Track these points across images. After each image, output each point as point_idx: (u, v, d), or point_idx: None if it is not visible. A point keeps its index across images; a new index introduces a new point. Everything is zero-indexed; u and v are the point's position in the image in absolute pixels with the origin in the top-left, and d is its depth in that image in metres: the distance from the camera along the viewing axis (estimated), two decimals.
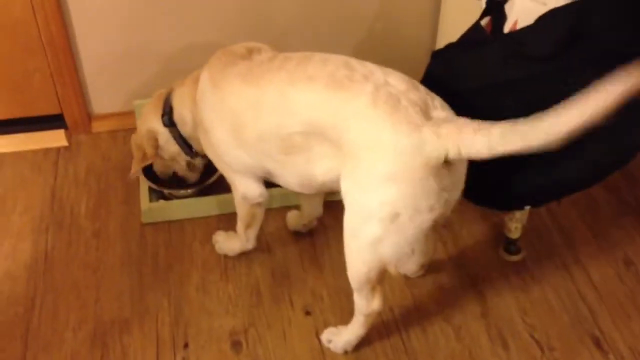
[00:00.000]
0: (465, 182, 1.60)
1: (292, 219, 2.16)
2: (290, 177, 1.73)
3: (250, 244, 2.05)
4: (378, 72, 1.56)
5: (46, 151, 2.48)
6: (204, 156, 1.99)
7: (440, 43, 2.55)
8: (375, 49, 2.62)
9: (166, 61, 2.47)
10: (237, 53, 1.76)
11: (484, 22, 1.86)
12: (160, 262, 2.09)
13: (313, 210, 2.10)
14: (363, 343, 1.85)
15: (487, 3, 1.86)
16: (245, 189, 1.87)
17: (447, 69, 1.83)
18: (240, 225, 2.00)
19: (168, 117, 1.97)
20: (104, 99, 2.55)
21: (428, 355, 1.85)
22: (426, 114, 1.49)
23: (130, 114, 2.50)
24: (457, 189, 1.57)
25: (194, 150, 2.02)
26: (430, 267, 2.04)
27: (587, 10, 1.63)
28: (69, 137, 2.53)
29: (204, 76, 1.79)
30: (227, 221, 2.16)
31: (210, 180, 2.25)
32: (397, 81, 1.54)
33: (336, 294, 1.99)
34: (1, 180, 2.36)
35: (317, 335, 1.88)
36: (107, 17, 2.36)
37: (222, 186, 2.13)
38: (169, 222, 2.20)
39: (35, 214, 2.23)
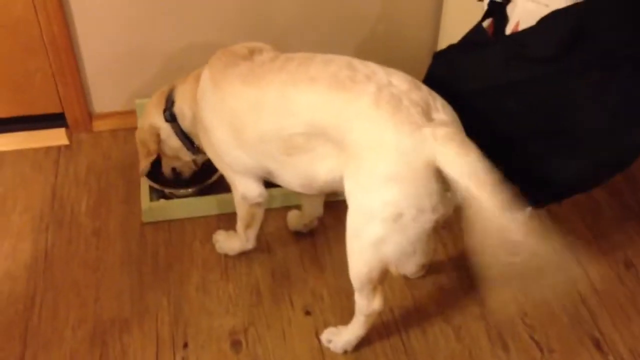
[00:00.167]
0: None
1: (293, 219, 2.16)
2: (292, 177, 1.73)
3: (250, 244, 2.05)
4: (381, 72, 1.56)
5: (47, 150, 2.48)
6: (205, 153, 2.00)
7: (442, 44, 2.54)
8: (377, 49, 2.62)
9: (167, 60, 2.48)
10: (238, 53, 1.76)
11: (486, 23, 1.85)
12: (161, 261, 2.09)
13: (314, 210, 2.10)
14: (363, 343, 1.85)
15: (489, 4, 1.86)
16: (245, 189, 1.87)
17: (449, 70, 1.83)
18: (240, 225, 2.00)
19: (170, 113, 1.97)
20: (105, 98, 2.55)
21: (428, 355, 1.85)
22: (427, 115, 1.50)
23: (131, 113, 2.50)
24: None
25: (195, 146, 2.02)
26: (430, 268, 2.04)
27: (588, 11, 1.63)
28: (70, 136, 2.53)
29: (205, 76, 1.79)
30: (228, 221, 2.16)
31: (210, 180, 2.25)
32: (400, 81, 1.54)
33: (336, 294, 1.99)
34: (2, 179, 2.36)
35: (317, 335, 1.88)
36: (108, 16, 2.36)
37: (222, 186, 2.13)
38: (169, 222, 2.20)
39: (35, 213, 2.23)
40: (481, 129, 1.68)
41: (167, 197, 2.25)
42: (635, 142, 1.70)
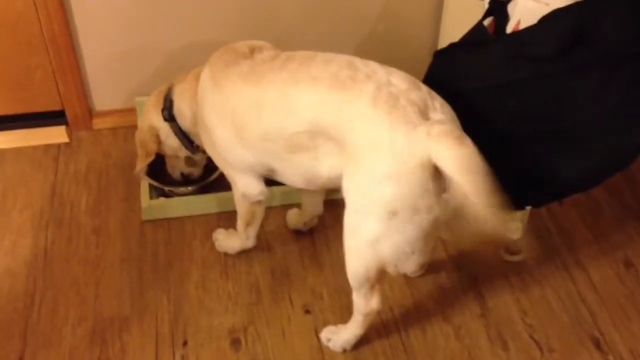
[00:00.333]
0: None
1: (293, 217, 2.16)
2: (294, 175, 1.73)
3: (250, 242, 2.05)
4: (381, 72, 1.55)
5: (47, 147, 2.48)
6: (205, 151, 1.99)
7: (443, 43, 2.54)
8: (378, 48, 2.62)
9: (168, 58, 2.47)
10: (238, 51, 1.75)
11: (487, 22, 1.85)
12: (160, 259, 2.08)
13: (314, 208, 2.09)
14: (362, 342, 1.85)
15: (490, 3, 1.86)
16: (246, 187, 1.86)
17: (449, 69, 1.83)
18: (240, 223, 2.00)
19: (168, 112, 1.97)
20: (105, 95, 2.55)
21: (427, 355, 1.85)
22: (424, 114, 1.49)
23: (131, 111, 2.50)
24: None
25: (194, 145, 2.02)
26: (430, 267, 2.04)
27: (589, 10, 1.63)
28: (69, 134, 2.53)
29: (205, 74, 1.79)
30: (228, 219, 2.16)
31: (210, 178, 2.24)
32: (399, 80, 1.54)
33: (336, 293, 1.99)
34: (2, 176, 2.36)
35: (317, 333, 1.88)
36: (109, 14, 2.36)
37: (222, 184, 2.13)
38: (169, 220, 2.20)
39: (35, 210, 2.23)
40: (481, 128, 1.68)
41: (167, 195, 2.25)
42: (635, 142, 1.70)
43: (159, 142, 2.04)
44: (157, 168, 2.18)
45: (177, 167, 2.18)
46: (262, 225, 2.03)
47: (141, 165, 2.06)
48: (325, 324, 1.90)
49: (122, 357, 1.83)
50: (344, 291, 1.90)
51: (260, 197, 1.89)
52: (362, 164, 1.52)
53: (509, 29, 1.77)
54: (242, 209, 1.95)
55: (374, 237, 1.54)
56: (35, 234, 2.15)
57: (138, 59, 2.47)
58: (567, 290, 2.02)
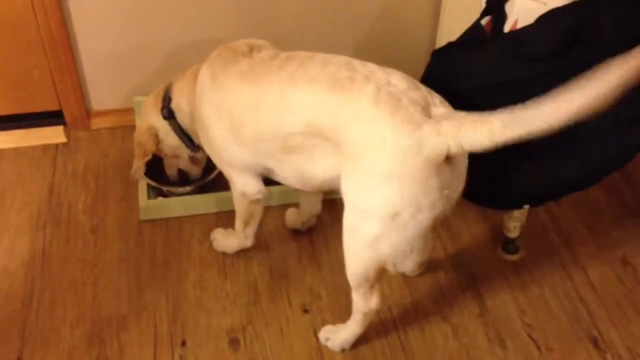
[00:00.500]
0: (466, 182, 1.60)
1: (291, 216, 2.16)
2: (290, 175, 1.73)
3: (248, 242, 2.04)
4: (379, 72, 1.55)
5: (45, 147, 2.48)
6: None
7: (441, 42, 2.54)
8: (376, 48, 2.62)
9: (166, 58, 2.47)
10: (238, 50, 1.75)
11: (484, 21, 1.85)
12: (158, 259, 2.08)
13: (312, 208, 2.09)
14: (361, 341, 1.85)
15: (488, 2, 1.86)
16: (244, 186, 1.86)
17: (447, 69, 1.83)
18: (238, 222, 2.00)
19: (167, 110, 1.97)
20: (103, 95, 2.55)
21: (426, 354, 1.85)
22: (427, 112, 1.50)
23: (129, 111, 2.50)
24: (459, 184, 1.57)
25: (195, 143, 2.02)
26: (428, 266, 2.04)
27: (587, 10, 1.63)
28: (67, 134, 2.53)
29: (204, 72, 1.79)
30: (226, 219, 2.15)
31: (208, 178, 2.24)
32: (399, 80, 1.54)
33: (334, 292, 1.99)
34: (0, 176, 2.35)
35: (315, 333, 1.88)
36: (106, 13, 2.35)
37: (220, 184, 2.13)
38: (167, 220, 2.20)
39: (33, 210, 2.23)
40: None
41: (165, 195, 2.25)
42: (633, 142, 1.70)
43: (158, 141, 2.03)
44: (155, 168, 2.18)
45: (174, 167, 2.18)
46: (260, 225, 2.03)
47: (138, 164, 2.06)
48: (324, 323, 1.90)
49: (120, 357, 1.82)
50: (343, 291, 1.90)
51: (259, 196, 1.89)
52: (361, 165, 1.51)
53: (507, 28, 1.78)
54: (240, 208, 1.95)
55: (375, 237, 1.54)
56: (33, 234, 2.15)
57: (136, 58, 2.47)
58: (566, 289, 2.02)
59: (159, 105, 1.99)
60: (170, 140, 2.03)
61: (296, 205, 2.15)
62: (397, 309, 1.96)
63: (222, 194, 2.18)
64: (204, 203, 2.22)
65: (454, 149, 1.44)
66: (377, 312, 1.78)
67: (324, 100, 1.54)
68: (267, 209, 2.12)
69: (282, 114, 1.61)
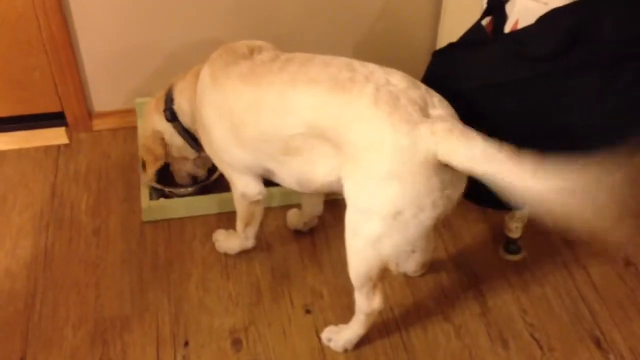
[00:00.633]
0: (467, 182, 1.60)
1: (293, 217, 2.17)
2: (290, 176, 1.73)
3: (250, 243, 2.05)
4: (379, 72, 1.56)
5: (47, 149, 2.48)
6: None
7: (441, 43, 2.54)
8: (376, 48, 2.62)
9: (167, 58, 2.47)
10: (238, 52, 1.76)
11: (485, 22, 1.86)
12: (160, 260, 2.09)
13: (313, 208, 2.10)
14: (363, 342, 1.85)
15: (488, 3, 1.86)
16: (244, 187, 1.87)
17: (448, 69, 1.83)
18: (239, 223, 2.00)
19: (170, 112, 1.97)
20: (104, 96, 2.55)
21: (428, 354, 1.85)
22: (424, 112, 1.50)
23: (131, 112, 2.50)
24: (460, 184, 1.57)
25: (199, 143, 2.02)
26: (430, 267, 2.04)
27: (587, 10, 1.63)
28: (69, 135, 2.53)
29: (205, 73, 1.79)
30: (227, 220, 2.16)
31: (210, 179, 2.25)
32: (398, 80, 1.54)
33: (336, 293, 1.99)
34: (2, 178, 2.36)
35: (317, 333, 1.89)
36: (107, 14, 2.36)
37: (222, 185, 2.13)
38: (169, 221, 2.20)
39: (35, 211, 2.23)
40: (480, 127, 1.68)
41: (166, 196, 2.25)
42: (635, 142, 1.70)
43: (165, 145, 2.04)
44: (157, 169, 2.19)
45: (183, 170, 2.18)
46: (262, 226, 2.03)
47: (151, 170, 2.07)
48: (326, 323, 1.90)
49: (123, 358, 1.83)
50: (345, 291, 1.90)
51: (259, 197, 1.89)
52: (362, 165, 1.52)
53: (507, 28, 1.78)
54: (241, 209, 1.95)
55: (377, 236, 1.55)
56: (35, 235, 2.15)
57: (137, 59, 2.47)
58: (567, 289, 2.02)
59: (161, 108, 1.99)
60: (175, 141, 2.04)
61: (297, 206, 2.15)
62: (399, 309, 1.96)
63: (224, 195, 2.18)
64: (206, 204, 2.22)
65: (440, 155, 1.45)
66: (380, 312, 1.78)
67: (325, 101, 1.55)
68: (269, 210, 2.12)
69: (282, 115, 1.62)
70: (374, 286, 1.68)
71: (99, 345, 1.85)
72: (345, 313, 1.87)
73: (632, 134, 1.69)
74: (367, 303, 1.71)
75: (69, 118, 2.53)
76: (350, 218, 1.59)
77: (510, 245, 2.09)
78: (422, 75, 1.82)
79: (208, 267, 2.06)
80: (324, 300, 1.98)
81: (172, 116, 1.98)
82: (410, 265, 2.01)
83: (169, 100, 1.97)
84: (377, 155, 1.49)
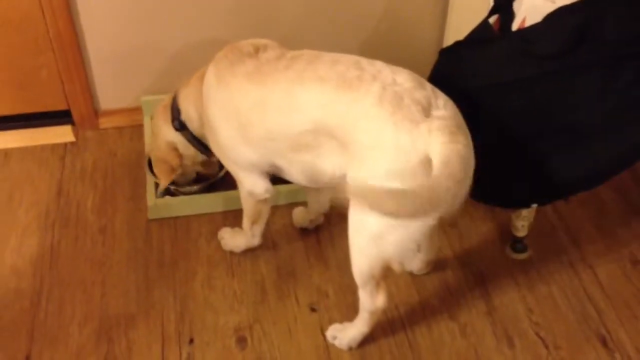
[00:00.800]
0: (473, 181, 1.59)
1: (299, 215, 2.16)
2: (298, 173, 1.73)
3: (256, 241, 2.05)
4: (386, 71, 1.56)
5: (53, 147, 2.48)
6: None
7: (448, 41, 2.54)
8: (382, 47, 2.62)
9: (173, 57, 2.48)
10: (243, 50, 1.75)
11: (492, 20, 1.85)
12: (166, 258, 2.09)
13: (320, 205, 2.10)
14: (368, 340, 1.85)
15: (496, 1, 1.86)
16: (252, 186, 1.87)
17: (455, 67, 1.83)
18: (246, 221, 2.00)
19: (178, 122, 1.97)
20: (111, 95, 2.55)
21: (433, 352, 1.85)
22: (427, 112, 1.49)
23: (137, 110, 2.50)
24: (464, 185, 1.56)
25: (209, 149, 2.01)
26: (435, 265, 2.04)
27: (594, 8, 1.63)
28: (75, 133, 2.54)
29: (211, 73, 1.79)
30: (233, 218, 2.16)
31: (216, 177, 2.25)
32: (404, 79, 1.54)
33: (342, 291, 1.99)
34: (8, 175, 2.37)
35: (323, 332, 1.88)
36: (114, 13, 2.36)
37: (228, 183, 2.14)
38: (175, 219, 2.21)
39: (41, 209, 2.23)
40: (487, 126, 1.68)
41: (172, 194, 2.26)
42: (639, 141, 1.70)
43: (180, 155, 2.04)
44: None
45: (190, 174, 2.18)
46: (267, 224, 2.03)
47: (166, 181, 2.07)
48: (331, 322, 1.90)
49: (128, 356, 1.83)
50: (350, 289, 1.90)
51: (266, 195, 1.89)
52: (366, 163, 1.52)
53: (515, 26, 1.77)
54: (248, 207, 1.96)
55: (378, 234, 1.55)
56: (41, 233, 2.15)
57: (143, 58, 2.47)
58: (574, 288, 2.02)
59: (169, 118, 1.99)
60: (186, 150, 2.04)
61: (304, 204, 2.15)
62: (405, 308, 1.96)
63: (230, 193, 2.18)
64: (212, 202, 2.22)
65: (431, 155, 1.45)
66: (385, 310, 1.78)
67: (333, 99, 1.55)
68: (275, 208, 2.12)
69: (289, 113, 1.62)
70: (377, 284, 1.68)
71: (104, 342, 1.86)
72: (351, 311, 1.87)
73: (632, 133, 1.69)
74: (370, 301, 1.71)
75: (76, 116, 2.54)
76: (353, 216, 1.59)
77: (517, 244, 2.09)
78: (428, 74, 1.82)
79: (213, 265, 2.07)
80: (329, 298, 1.98)
81: (180, 126, 1.98)
82: (416, 264, 2.00)
83: (175, 110, 1.98)
84: (380, 153, 1.49)
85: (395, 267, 1.62)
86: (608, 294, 2.00)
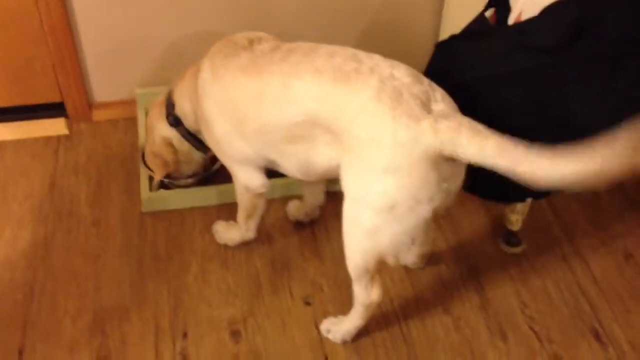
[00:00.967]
0: (467, 174, 1.59)
1: (293, 208, 2.16)
2: (292, 165, 1.73)
3: (250, 234, 2.05)
4: (384, 65, 1.55)
5: (47, 139, 2.48)
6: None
7: (444, 35, 2.54)
8: (379, 40, 2.61)
9: (168, 50, 2.47)
10: (238, 43, 1.75)
11: (489, 13, 1.85)
12: (160, 251, 2.08)
13: (315, 198, 2.10)
14: (362, 334, 1.85)
15: None
16: (247, 180, 1.86)
17: (451, 60, 1.83)
18: (241, 215, 2.00)
19: (173, 117, 1.97)
20: (104, 87, 2.55)
21: (427, 346, 1.85)
22: (427, 107, 1.49)
23: (131, 103, 2.50)
24: (458, 178, 1.57)
25: (204, 144, 2.00)
26: (430, 259, 2.04)
27: (591, 3, 1.62)
28: (69, 126, 2.53)
29: (205, 67, 1.78)
30: (227, 211, 2.16)
31: (211, 170, 2.24)
32: (402, 74, 1.54)
33: (336, 285, 1.99)
34: (2, 168, 2.36)
35: (317, 325, 1.89)
36: (108, 5, 2.35)
37: (222, 176, 2.13)
38: (169, 212, 2.20)
39: (35, 202, 2.23)
40: (483, 118, 1.68)
41: (166, 187, 2.25)
42: None
43: (175, 151, 2.04)
44: None
45: (188, 171, 2.17)
46: (262, 217, 2.03)
47: (160, 175, 2.07)
48: (326, 315, 1.90)
49: (122, 349, 1.83)
50: (344, 283, 1.90)
51: (262, 190, 1.89)
52: (362, 157, 1.51)
53: (511, 20, 1.77)
54: (243, 201, 1.95)
55: (373, 228, 1.54)
56: (35, 226, 2.15)
57: (138, 50, 2.46)
58: (567, 282, 2.02)
59: (164, 114, 1.99)
60: (181, 147, 2.04)
61: (299, 197, 2.15)
62: (399, 301, 1.96)
63: (224, 186, 2.18)
64: (206, 195, 2.22)
65: (447, 152, 1.44)
66: (379, 304, 1.78)
67: (330, 91, 1.54)
68: (270, 201, 2.11)
69: (285, 105, 1.61)
70: (372, 278, 1.68)
71: (97, 336, 1.85)
72: (345, 305, 1.87)
73: None
74: (365, 295, 1.71)
75: (69, 109, 2.53)
76: (348, 209, 1.59)
77: (511, 238, 2.09)
78: (424, 67, 1.82)
79: (208, 259, 2.06)
80: (323, 292, 1.98)
81: (175, 121, 1.97)
82: (410, 257, 2.00)
83: (170, 106, 1.97)
84: (378, 148, 1.48)
85: (390, 260, 1.62)
86: (602, 288, 2.01)
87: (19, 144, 2.45)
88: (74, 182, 2.31)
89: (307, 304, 1.95)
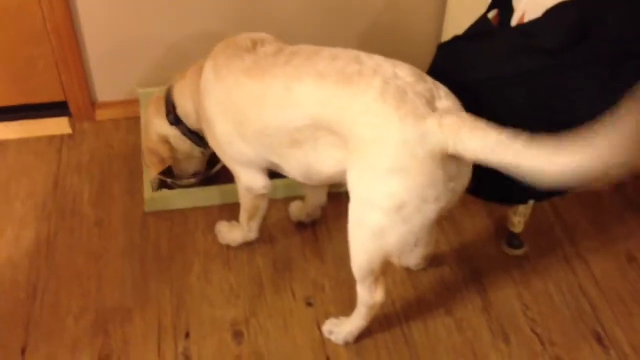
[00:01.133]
0: (471, 176, 1.59)
1: (295, 209, 2.16)
2: (294, 169, 1.73)
3: (252, 234, 2.05)
4: (386, 65, 1.55)
5: (50, 138, 2.48)
6: None
7: (447, 36, 2.53)
8: (381, 41, 2.61)
9: (170, 49, 2.47)
10: (241, 45, 1.75)
11: (491, 14, 1.85)
12: (163, 251, 2.09)
13: (317, 199, 2.10)
14: (364, 335, 1.85)
15: None
16: (249, 181, 1.86)
17: (453, 61, 1.83)
18: (243, 215, 2.00)
19: (173, 116, 1.97)
20: (108, 86, 2.55)
21: (429, 348, 1.86)
22: (431, 105, 1.49)
23: (134, 102, 2.50)
24: (464, 178, 1.57)
25: (205, 141, 2.00)
26: (432, 260, 2.04)
27: (593, 4, 1.62)
28: (72, 125, 2.53)
29: (208, 68, 1.78)
30: (230, 211, 2.16)
31: (213, 170, 2.24)
32: (405, 73, 1.53)
33: (338, 285, 1.99)
34: (4, 167, 2.36)
35: (319, 326, 1.89)
36: (112, 4, 2.35)
37: (224, 176, 2.13)
38: (172, 211, 2.20)
39: (38, 201, 2.23)
40: (485, 119, 1.68)
41: (169, 186, 2.25)
42: None
43: (172, 148, 2.04)
44: None
45: (188, 168, 2.18)
46: (264, 218, 2.03)
47: (155, 172, 2.07)
48: (327, 316, 1.90)
49: (124, 349, 1.83)
50: (346, 283, 1.90)
51: (264, 191, 1.89)
52: (368, 157, 1.51)
53: (514, 21, 1.77)
54: (245, 202, 1.95)
55: (380, 228, 1.54)
56: (37, 225, 2.15)
57: (141, 49, 2.46)
58: (569, 284, 2.02)
59: (163, 112, 1.99)
60: (181, 145, 2.04)
61: (301, 198, 2.15)
62: (401, 303, 1.96)
63: (226, 187, 2.18)
64: (208, 195, 2.22)
65: (451, 148, 1.44)
66: (381, 305, 1.78)
67: (333, 94, 1.54)
68: (272, 202, 2.11)
69: (287, 108, 1.61)
70: (376, 279, 1.68)
71: (100, 335, 1.86)
72: (347, 306, 1.87)
73: None
74: (369, 296, 1.71)
75: (72, 108, 2.53)
76: (354, 210, 1.59)
77: (513, 240, 2.09)
78: (427, 68, 1.82)
79: (210, 259, 2.06)
80: (325, 293, 1.98)
81: (175, 120, 1.97)
82: (412, 259, 2.01)
83: (169, 104, 1.97)
84: (384, 148, 1.48)
85: (395, 261, 1.62)
86: (603, 290, 2.01)
87: (21, 143, 2.46)
88: (76, 182, 2.31)
89: (309, 304, 1.95)
